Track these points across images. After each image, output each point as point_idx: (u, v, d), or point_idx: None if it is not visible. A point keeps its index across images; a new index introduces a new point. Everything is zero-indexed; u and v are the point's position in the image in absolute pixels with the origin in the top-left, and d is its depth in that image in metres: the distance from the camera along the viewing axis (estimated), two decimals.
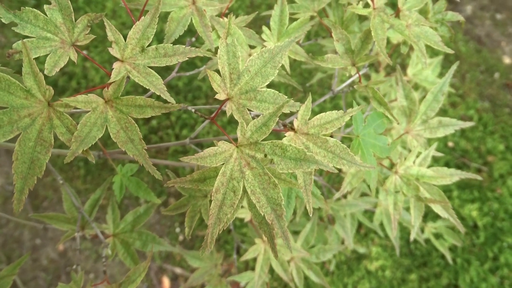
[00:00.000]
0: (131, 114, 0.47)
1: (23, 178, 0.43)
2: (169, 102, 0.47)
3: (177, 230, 2.08)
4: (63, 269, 2.01)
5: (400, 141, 0.74)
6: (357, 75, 0.73)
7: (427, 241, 1.99)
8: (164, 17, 0.61)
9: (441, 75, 1.57)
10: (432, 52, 2.17)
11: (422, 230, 1.38)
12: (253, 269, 1.04)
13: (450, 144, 2.23)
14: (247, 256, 0.88)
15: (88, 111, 0.46)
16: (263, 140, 0.50)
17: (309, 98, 0.55)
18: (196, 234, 2.06)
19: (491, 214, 2.05)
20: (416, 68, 1.11)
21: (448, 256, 1.31)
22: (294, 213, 1.12)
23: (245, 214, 0.90)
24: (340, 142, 0.56)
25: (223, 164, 0.49)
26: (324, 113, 0.56)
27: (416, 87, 1.16)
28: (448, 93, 2.38)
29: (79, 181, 2.12)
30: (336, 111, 0.57)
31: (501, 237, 2.01)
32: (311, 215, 0.53)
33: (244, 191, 0.54)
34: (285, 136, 0.55)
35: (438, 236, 1.50)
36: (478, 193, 2.09)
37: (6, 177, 2.13)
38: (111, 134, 0.47)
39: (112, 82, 0.47)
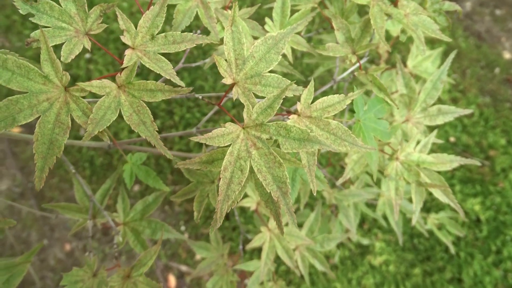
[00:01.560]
0: (143, 98, 0.50)
1: (43, 158, 0.46)
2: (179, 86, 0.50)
3: (182, 228, 2.10)
4: (71, 269, 2.04)
5: (400, 126, 0.76)
6: (357, 64, 0.75)
7: (431, 235, 2.00)
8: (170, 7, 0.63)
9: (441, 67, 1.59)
10: (432, 47, 2.19)
11: (425, 222, 1.40)
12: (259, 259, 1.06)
13: (452, 139, 2.25)
14: (253, 243, 0.90)
15: (103, 96, 0.49)
16: (268, 122, 0.53)
17: (312, 82, 0.58)
18: (201, 232, 2.08)
19: (494, 207, 2.06)
20: (416, 60, 1.13)
21: (451, 246, 1.33)
22: (298, 201, 1.13)
23: (251, 203, 0.92)
24: (342, 125, 0.58)
25: (230, 145, 0.52)
26: (326, 97, 0.59)
27: (416, 79, 1.19)
28: (448, 88, 2.40)
29: (85, 182, 2.16)
30: (338, 95, 0.59)
31: (504, 231, 2.02)
32: (314, 194, 0.56)
33: (251, 171, 0.56)
34: (289, 119, 0.57)
35: (441, 228, 1.52)
36: (481, 187, 2.10)
37: (13, 180, 2.16)
38: (124, 117, 0.49)
39: (125, 68, 0.50)
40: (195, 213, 0.67)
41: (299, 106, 0.57)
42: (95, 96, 0.51)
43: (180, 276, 2.03)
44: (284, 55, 0.89)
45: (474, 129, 2.26)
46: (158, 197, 0.83)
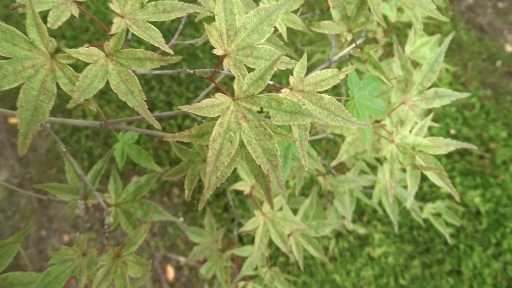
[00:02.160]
0: (131, 67, 0.49)
1: (27, 124, 0.45)
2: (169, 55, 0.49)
3: (181, 219, 2.10)
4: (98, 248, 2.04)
5: (395, 106, 0.75)
6: (353, 45, 0.74)
7: (430, 227, 1.99)
8: None
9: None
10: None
11: (422, 210, 1.39)
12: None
13: (452, 131, 2.23)
14: (246, 227, 0.89)
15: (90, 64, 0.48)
16: (259, 93, 0.52)
17: (305, 55, 0.56)
18: (199, 223, 2.08)
19: (494, 200, 2.05)
20: (414, 46, 1.12)
21: (447, 236, 1.32)
22: (289, 186, 1.12)
23: (245, 187, 0.92)
24: (335, 100, 0.57)
25: (219, 116, 0.51)
26: (319, 71, 0.58)
27: (414, 65, 1.17)
28: (450, 81, 2.38)
29: (76, 162, 2.15)
30: (331, 69, 0.58)
31: (504, 223, 2.01)
32: (306, 169, 0.55)
33: (242, 145, 0.55)
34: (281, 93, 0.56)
35: (437, 217, 1.51)
36: (481, 179, 2.09)
37: (11, 170, 2.16)
38: (111, 85, 0.48)
39: (113, 36, 0.49)
40: (186, 191, 0.66)
41: (291, 80, 0.56)
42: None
43: (179, 267, 2.03)
44: (280, 36, 0.88)
45: (475, 121, 2.25)
46: (151, 179, 0.82)
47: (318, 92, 0.57)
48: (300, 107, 0.51)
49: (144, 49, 0.49)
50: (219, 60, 0.57)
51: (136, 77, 0.49)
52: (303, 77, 0.57)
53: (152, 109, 2.18)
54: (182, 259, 2.08)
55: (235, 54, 0.54)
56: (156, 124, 0.48)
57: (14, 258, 0.73)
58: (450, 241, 1.34)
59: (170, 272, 2.07)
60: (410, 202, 0.83)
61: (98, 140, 2.17)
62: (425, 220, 1.89)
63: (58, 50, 0.47)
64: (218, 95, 0.50)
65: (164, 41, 0.49)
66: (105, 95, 2.17)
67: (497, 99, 2.38)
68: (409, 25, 2.34)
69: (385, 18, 1.22)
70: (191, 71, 0.60)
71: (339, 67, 0.65)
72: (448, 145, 0.84)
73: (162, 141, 2.13)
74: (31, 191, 2.10)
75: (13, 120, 2.24)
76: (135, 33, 0.49)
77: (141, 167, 2.09)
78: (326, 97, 0.57)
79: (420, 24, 0.72)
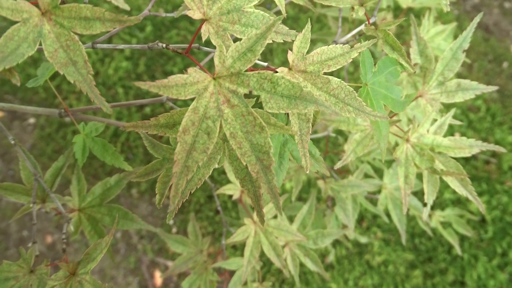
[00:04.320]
0: (75, 29, 0.36)
1: None
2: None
3: (171, 222, 1.97)
4: (52, 262, 1.91)
5: (413, 97, 0.63)
6: (362, 26, 0.62)
7: (434, 235, 1.88)
8: None
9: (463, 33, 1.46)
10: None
11: (430, 218, 1.27)
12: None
13: (457, 135, 2.12)
14: (235, 238, 0.76)
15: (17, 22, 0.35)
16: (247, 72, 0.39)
17: (308, 26, 0.44)
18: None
19: (500, 207, 1.93)
20: (428, 35, 1.00)
21: (457, 247, 1.20)
22: (284, 189, 1.00)
23: (234, 191, 0.79)
24: (346, 84, 0.45)
25: (194, 99, 0.38)
26: (325, 47, 0.45)
27: None
28: None
29: (31, 156, 2.01)
30: (341, 45, 0.46)
31: (510, 232, 1.90)
32: (307, 172, 0.42)
33: (224, 139, 0.43)
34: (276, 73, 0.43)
35: (446, 226, 1.39)
36: (487, 185, 1.98)
37: None
38: (46, 53, 0.35)
39: None
40: (157, 196, 0.53)
41: (290, 57, 0.44)
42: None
43: None
44: (277, 13, 0.75)
45: (480, 125, 2.14)
46: (122, 179, 0.69)
47: (324, 74, 0.45)
48: (302, 90, 0.39)
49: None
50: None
51: (81, 44, 0.36)
52: (305, 54, 0.44)
53: (143, 106, 2.04)
54: (171, 264, 1.94)
55: (217, 20, 0.41)
56: (106, 107, 0.35)
57: None
58: (460, 252, 1.22)
59: (158, 278, 1.93)
60: (426, 214, 0.71)
61: (54, 105, 2.03)
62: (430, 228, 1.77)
63: None
64: (192, 70, 0.37)
65: None
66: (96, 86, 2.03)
67: (504, 101, 2.27)
68: (421, 11, 2.21)
69: (395, 4, 1.10)
70: (163, 45, 0.47)
71: None
72: (472, 147, 0.72)
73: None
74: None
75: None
76: None
77: (136, 164, 1.96)
78: (334, 80, 0.44)
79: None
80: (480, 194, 1.96)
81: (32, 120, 2.09)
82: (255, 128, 0.38)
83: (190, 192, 0.40)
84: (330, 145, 1.92)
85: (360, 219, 1.90)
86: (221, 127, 0.38)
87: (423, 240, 1.89)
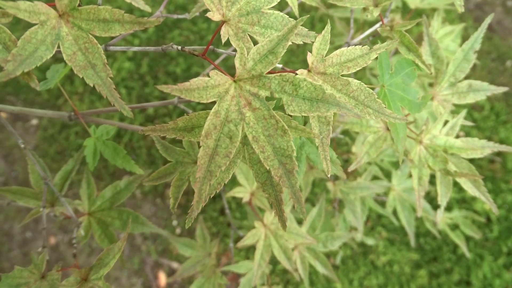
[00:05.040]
0: (93, 32, 0.35)
1: None
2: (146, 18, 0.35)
3: (174, 222, 1.96)
4: (55, 263, 1.89)
5: (428, 98, 0.62)
6: (374, 27, 0.61)
7: (438, 234, 1.87)
8: None
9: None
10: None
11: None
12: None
13: (461, 134, 2.11)
14: (245, 241, 0.76)
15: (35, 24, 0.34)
16: (269, 73, 0.39)
17: (328, 27, 0.43)
18: (194, 227, 1.93)
19: (505, 206, 1.93)
20: (437, 35, 0.99)
21: (466, 250, 1.19)
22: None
23: (243, 193, 0.78)
24: (366, 86, 0.44)
25: (215, 102, 0.37)
26: (345, 48, 0.44)
27: None
28: None
29: (41, 160, 2.00)
30: (360, 46, 0.45)
31: None
32: (329, 175, 0.42)
33: (244, 143, 0.42)
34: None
35: (453, 227, 1.38)
36: (492, 184, 1.97)
37: None
38: (64, 55, 0.35)
39: None
40: (171, 200, 0.52)
41: (310, 59, 0.43)
42: None
43: (171, 273, 1.88)
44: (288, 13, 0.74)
45: (484, 123, 2.13)
46: (132, 183, 0.68)
47: (343, 76, 0.44)
48: (324, 92, 0.38)
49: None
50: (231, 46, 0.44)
51: (99, 46, 0.35)
52: (324, 56, 0.44)
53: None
54: (175, 265, 1.94)
55: (236, 21, 0.40)
56: (127, 111, 0.35)
57: None
58: (468, 254, 1.21)
59: (162, 279, 1.92)
60: (440, 216, 0.70)
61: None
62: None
63: None
64: (214, 73, 0.37)
65: None
66: (94, 90, 2.02)
67: (507, 100, 2.26)
68: (430, 12, 2.20)
69: (404, 4, 1.09)
70: (178, 47, 0.46)
71: None
72: (484, 147, 0.72)
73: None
74: None
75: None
76: None
77: (139, 165, 1.95)
78: (354, 82, 0.43)
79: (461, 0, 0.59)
80: None
81: (35, 121, 2.07)
82: (277, 132, 0.37)
83: (210, 196, 0.40)
84: (335, 145, 1.91)
85: (365, 219, 1.89)
86: (242, 130, 0.37)
87: (428, 240, 1.89)
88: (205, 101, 0.36)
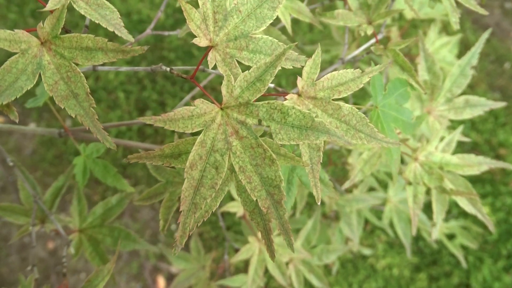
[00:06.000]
0: (76, 60, 0.34)
1: None
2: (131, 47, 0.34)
3: (173, 227, 1.95)
4: (53, 269, 1.89)
5: (425, 117, 0.61)
6: (369, 42, 0.60)
7: (438, 238, 1.87)
8: None
9: (459, 56, 1.44)
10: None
11: None
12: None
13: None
14: (239, 257, 0.75)
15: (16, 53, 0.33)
16: (256, 101, 0.38)
17: (318, 51, 0.42)
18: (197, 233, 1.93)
19: (505, 209, 1.92)
20: (433, 46, 0.98)
21: (462, 260, 1.19)
22: (294, 207, 0.99)
23: (237, 208, 0.77)
24: (357, 110, 0.43)
25: (201, 131, 0.36)
26: (336, 72, 0.43)
27: None
28: None
29: (31, 177, 1.98)
30: (352, 69, 0.44)
31: None
32: (318, 203, 0.41)
33: (231, 170, 0.41)
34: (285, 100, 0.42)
35: (450, 237, 1.38)
36: (491, 187, 1.96)
37: None
38: (45, 85, 0.34)
39: (50, 14, 0.34)
40: (161, 222, 0.51)
41: (300, 83, 0.42)
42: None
43: (170, 278, 1.88)
44: (281, 29, 0.73)
45: (483, 126, 2.12)
46: (123, 199, 0.67)
47: (334, 100, 0.43)
48: (313, 120, 0.37)
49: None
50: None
51: (82, 75, 0.34)
52: (315, 80, 0.43)
53: (144, 109, 2.02)
54: (174, 270, 1.93)
55: (224, 46, 0.39)
56: (109, 143, 0.34)
57: None
58: (465, 265, 1.20)
59: (161, 283, 1.92)
60: (435, 234, 0.69)
61: (88, 140, 2.01)
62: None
63: None
64: (200, 101, 0.36)
65: (122, 24, 0.34)
66: (93, 94, 2.01)
67: (506, 102, 2.26)
68: (426, 22, 2.19)
69: (400, 15, 1.08)
70: (167, 68, 0.45)
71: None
72: (481, 164, 0.71)
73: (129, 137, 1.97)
74: (15, 194, 1.94)
75: None
76: (82, 11, 0.34)
77: (136, 178, 1.94)
78: (345, 106, 0.42)
79: (456, 17, 0.58)
80: (484, 196, 1.95)
81: (32, 126, 2.06)
82: (265, 161, 0.36)
83: (197, 225, 0.39)
84: (334, 156, 1.90)
85: (364, 223, 1.89)
86: (229, 160, 0.36)
87: (428, 243, 1.88)
88: (190, 131, 0.35)
